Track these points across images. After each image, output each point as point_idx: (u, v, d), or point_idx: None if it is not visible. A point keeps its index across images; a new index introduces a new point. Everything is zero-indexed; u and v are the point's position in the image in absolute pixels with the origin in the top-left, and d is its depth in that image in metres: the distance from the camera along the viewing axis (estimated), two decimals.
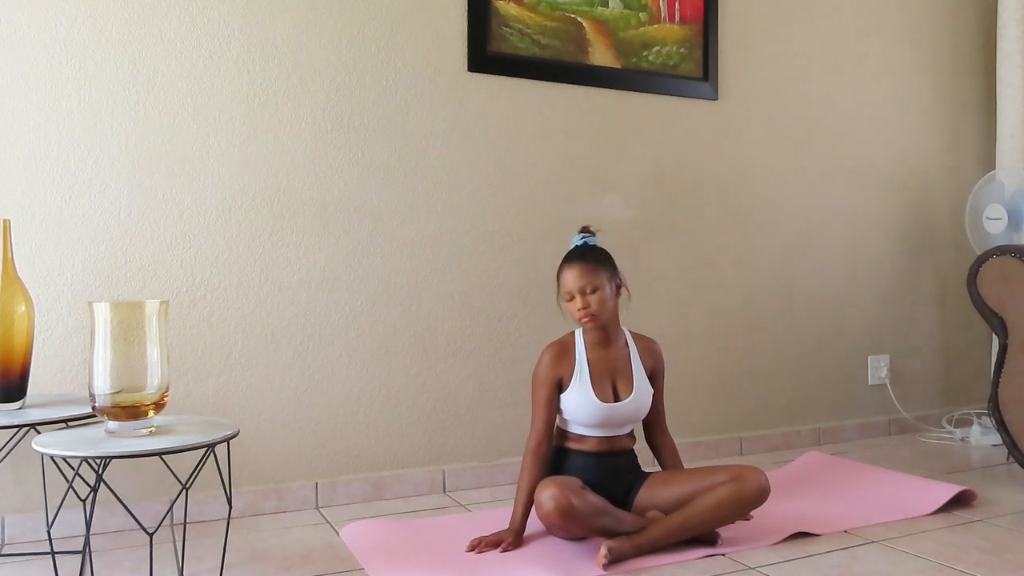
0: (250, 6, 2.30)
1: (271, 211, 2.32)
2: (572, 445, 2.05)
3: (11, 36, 2.06)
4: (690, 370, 2.91)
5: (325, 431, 2.39)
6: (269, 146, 2.32)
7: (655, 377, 2.13)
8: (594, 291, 1.99)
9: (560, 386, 2.03)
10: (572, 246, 2.08)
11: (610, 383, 2.05)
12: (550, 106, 2.68)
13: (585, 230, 2.11)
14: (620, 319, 2.10)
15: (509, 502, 2.24)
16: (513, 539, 1.95)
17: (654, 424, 2.16)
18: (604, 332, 2.06)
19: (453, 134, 2.55)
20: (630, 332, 2.13)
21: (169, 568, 1.86)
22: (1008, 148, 3.29)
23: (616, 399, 2.03)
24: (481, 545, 1.94)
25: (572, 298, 2.00)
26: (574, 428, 2.05)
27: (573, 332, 2.09)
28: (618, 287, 2.06)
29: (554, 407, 2.03)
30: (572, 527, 1.87)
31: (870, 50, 3.30)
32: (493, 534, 1.97)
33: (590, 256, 2.03)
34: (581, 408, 2.00)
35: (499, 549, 1.93)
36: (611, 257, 2.07)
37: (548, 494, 1.84)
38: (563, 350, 2.05)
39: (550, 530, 1.96)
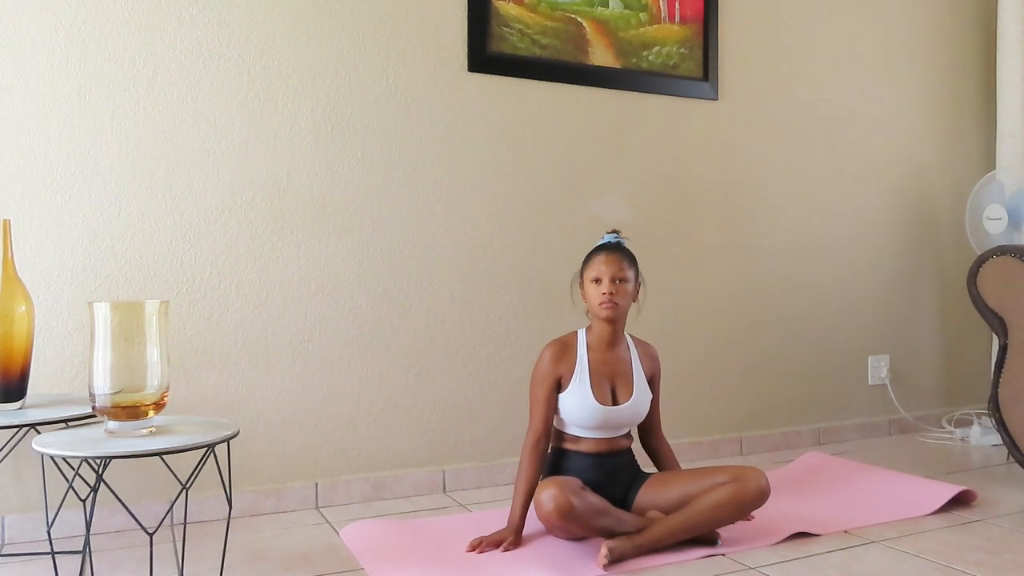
0: (250, 6, 2.30)
1: (271, 211, 2.32)
2: (569, 446, 2.05)
3: (11, 36, 2.06)
4: (690, 370, 2.91)
5: (325, 431, 2.39)
6: (269, 146, 2.32)
7: (653, 382, 2.14)
8: (622, 281, 2.01)
9: (559, 385, 2.03)
10: (604, 240, 2.10)
11: (609, 385, 2.05)
12: (550, 106, 2.68)
13: (615, 232, 2.13)
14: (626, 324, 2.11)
15: (509, 502, 2.24)
16: (514, 537, 1.95)
17: (650, 429, 2.17)
18: (612, 330, 2.05)
19: (453, 134, 2.55)
20: (631, 336, 2.14)
21: (169, 568, 1.86)
22: (1008, 148, 3.29)
23: (615, 402, 2.03)
24: (482, 545, 1.94)
25: (599, 281, 2.01)
26: (571, 430, 2.05)
27: (575, 332, 2.09)
28: (636, 290, 2.08)
29: (553, 405, 2.03)
30: (572, 527, 1.87)
31: (870, 50, 3.30)
32: (493, 534, 1.97)
33: (625, 251, 2.07)
34: (579, 409, 2.00)
35: (500, 549, 1.93)
36: (638, 264, 2.10)
37: (548, 494, 1.84)
38: (564, 348, 2.05)
39: (550, 530, 1.96)
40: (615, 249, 2.05)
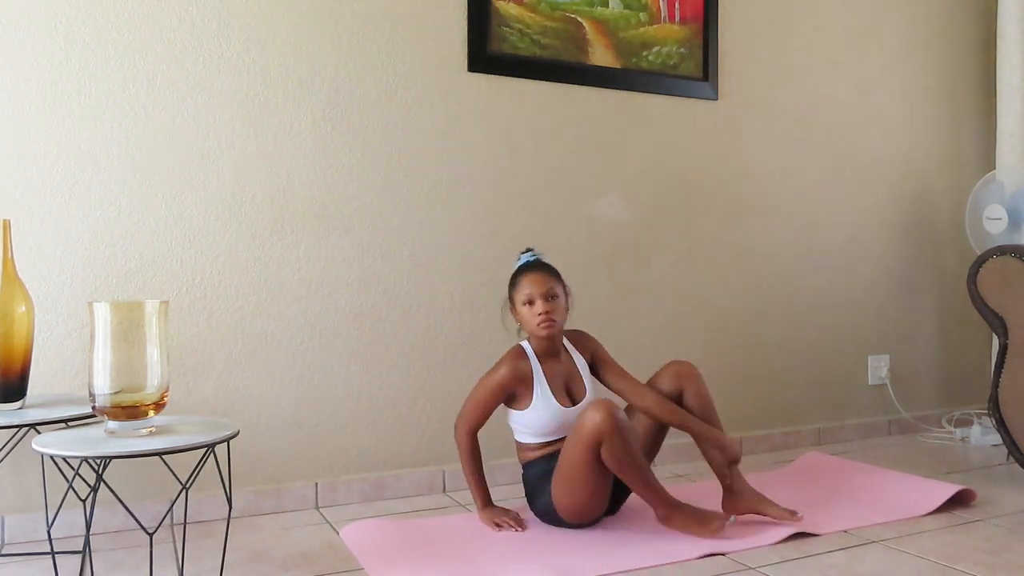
0: (250, 6, 2.30)
1: (271, 211, 2.32)
2: (537, 453, 2.11)
3: (11, 36, 2.06)
4: None
5: (325, 431, 2.38)
6: (269, 146, 2.32)
7: (596, 362, 2.18)
8: (554, 297, 2.06)
9: (512, 397, 2.09)
10: (522, 262, 2.15)
11: (564, 389, 2.12)
12: (550, 106, 2.68)
13: (530, 251, 2.17)
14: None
15: (509, 502, 2.25)
16: (505, 514, 2.09)
17: (634, 396, 2.14)
18: (552, 342, 2.12)
19: (453, 134, 2.55)
20: (564, 335, 2.19)
21: (169, 568, 1.86)
22: (1008, 148, 3.29)
23: (573, 402, 2.11)
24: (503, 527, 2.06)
25: (532, 303, 2.05)
26: (533, 439, 2.11)
27: (520, 347, 2.14)
28: (568, 301, 2.13)
29: (491, 411, 2.12)
30: (620, 441, 1.88)
31: (870, 50, 3.30)
32: (497, 518, 2.09)
33: (548, 267, 2.11)
34: (546, 420, 2.07)
35: (514, 527, 2.06)
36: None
37: (596, 407, 1.88)
38: (520, 366, 2.09)
39: (585, 463, 1.94)
40: (539, 267, 2.10)
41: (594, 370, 2.19)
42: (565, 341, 2.18)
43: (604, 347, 2.22)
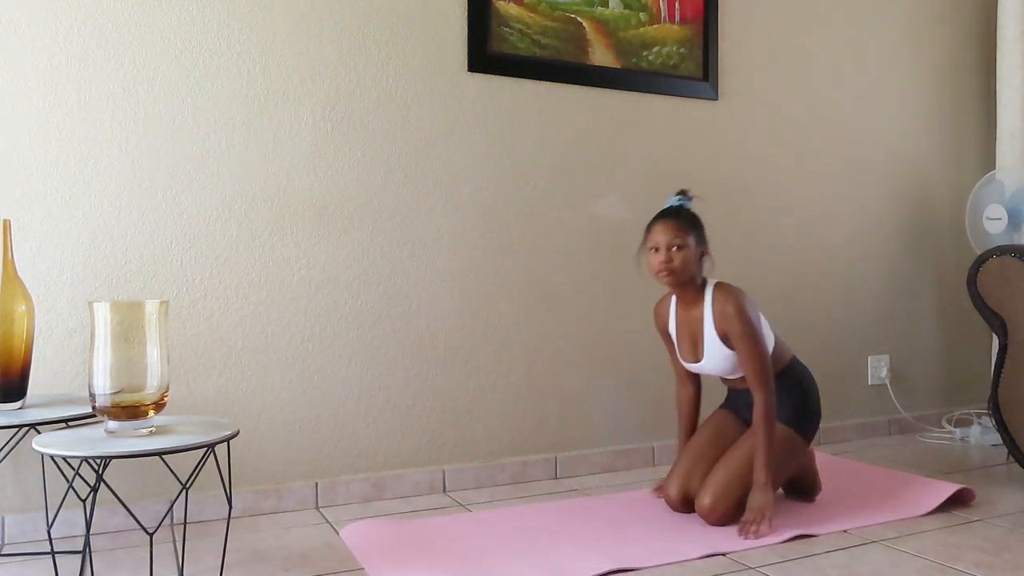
0: (250, 6, 2.30)
1: (271, 211, 2.32)
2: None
3: (11, 36, 2.06)
4: None
5: (325, 431, 2.39)
6: (269, 146, 2.32)
7: (729, 339, 2.11)
8: (680, 248, 2.07)
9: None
10: (667, 204, 2.17)
11: (691, 344, 2.18)
12: (550, 106, 2.68)
13: (683, 193, 2.18)
14: (707, 280, 2.18)
15: (509, 502, 2.25)
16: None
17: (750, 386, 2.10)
18: (681, 294, 2.16)
19: (453, 134, 2.55)
20: (715, 291, 2.13)
21: (169, 568, 1.86)
22: (1008, 148, 3.29)
23: (697, 359, 2.18)
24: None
25: (656, 249, 2.09)
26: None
27: (669, 294, 2.24)
28: (702, 254, 2.14)
29: (672, 353, 2.27)
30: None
31: (870, 50, 3.30)
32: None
33: (684, 216, 2.11)
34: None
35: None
36: (702, 225, 2.14)
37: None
38: (661, 311, 2.28)
39: None
40: (674, 215, 2.10)
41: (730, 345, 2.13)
42: (709, 299, 2.12)
43: (743, 322, 2.06)
